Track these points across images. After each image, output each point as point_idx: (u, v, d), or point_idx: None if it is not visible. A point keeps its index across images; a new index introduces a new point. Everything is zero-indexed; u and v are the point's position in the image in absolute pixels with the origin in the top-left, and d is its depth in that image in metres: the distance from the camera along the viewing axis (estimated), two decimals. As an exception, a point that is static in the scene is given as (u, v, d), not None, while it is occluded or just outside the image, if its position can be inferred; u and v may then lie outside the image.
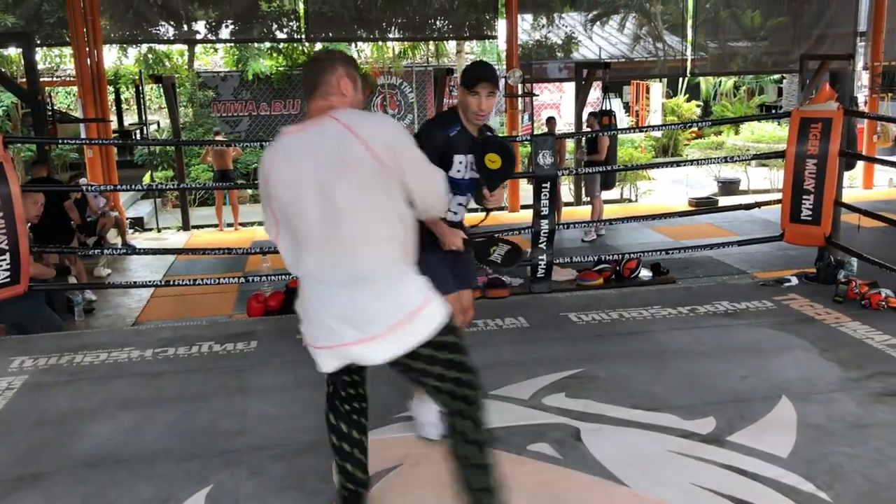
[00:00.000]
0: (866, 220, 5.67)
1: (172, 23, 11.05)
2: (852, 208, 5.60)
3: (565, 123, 16.57)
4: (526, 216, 6.07)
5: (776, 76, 20.72)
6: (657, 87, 20.50)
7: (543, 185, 5.34)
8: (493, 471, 2.29)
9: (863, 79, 13.52)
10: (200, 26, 11.56)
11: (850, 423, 3.20)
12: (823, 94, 5.16)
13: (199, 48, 17.20)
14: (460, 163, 2.94)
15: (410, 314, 2.17)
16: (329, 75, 2.30)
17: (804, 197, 5.18)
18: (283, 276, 5.53)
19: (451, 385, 2.25)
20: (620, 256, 5.89)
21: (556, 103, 19.47)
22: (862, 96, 12.42)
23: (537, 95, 13.40)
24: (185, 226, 11.67)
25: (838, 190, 5.31)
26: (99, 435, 3.33)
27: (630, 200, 13.35)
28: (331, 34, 12.18)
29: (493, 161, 2.87)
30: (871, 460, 2.89)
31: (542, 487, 2.81)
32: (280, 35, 12.14)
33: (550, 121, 10.16)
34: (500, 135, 15.20)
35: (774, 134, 17.77)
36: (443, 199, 2.34)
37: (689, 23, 12.86)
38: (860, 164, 11.77)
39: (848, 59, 11.72)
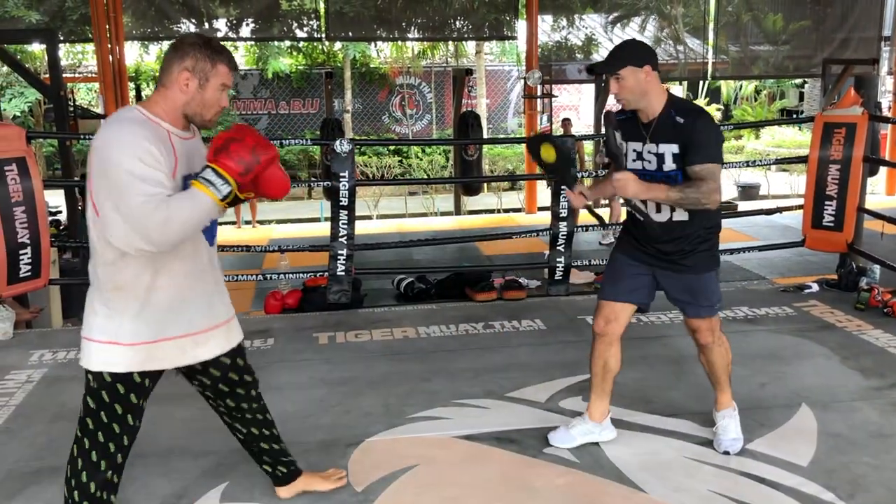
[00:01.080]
0: (889, 226, 5.60)
1: (194, 20, 11.10)
2: (876, 215, 5.53)
3: (585, 125, 16.52)
4: (544, 218, 6.05)
5: (798, 80, 20.54)
6: (678, 90, 20.39)
7: (562, 187, 5.31)
8: None
9: (887, 84, 13.36)
10: (221, 24, 11.61)
11: (871, 432, 3.16)
12: (848, 99, 5.10)
13: (219, 46, 17.28)
14: (633, 150, 2.82)
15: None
16: (170, 63, 2.05)
17: (826, 202, 5.12)
18: (301, 275, 5.54)
19: None
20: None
21: (575, 105, 19.41)
22: (886, 101, 12.27)
23: (556, 97, 13.36)
24: (203, 222, 11.72)
25: (861, 196, 5.25)
26: (116, 429, 3.34)
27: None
28: (350, 33, 12.20)
29: (548, 153, 2.76)
30: (894, 471, 2.84)
31: (557, 491, 2.79)
32: (300, 34, 12.17)
33: (566, 122, 10.10)
34: (518, 136, 15.13)
35: (795, 139, 17.63)
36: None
37: (711, 25, 12.76)
38: (883, 170, 11.63)
39: (872, 63, 11.59)
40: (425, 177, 15.41)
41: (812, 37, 12.59)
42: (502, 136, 17.82)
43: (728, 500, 2.66)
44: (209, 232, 2.21)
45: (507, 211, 13.14)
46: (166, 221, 1.89)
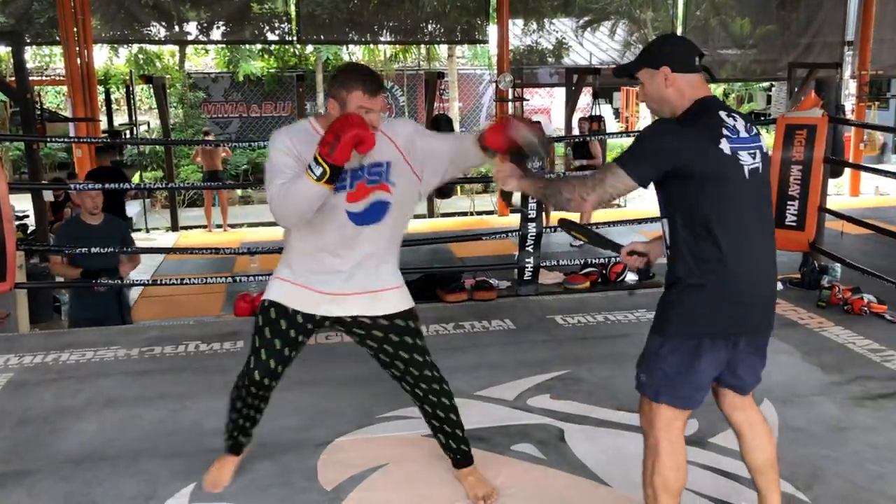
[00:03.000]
0: (851, 226, 5.72)
1: (164, 23, 11.03)
2: (836, 214, 5.66)
3: (555, 128, 16.63)
4: (516, 220, 6.10)
5: (766, 84, 20.86)
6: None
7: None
8: None
9: (850, 88, 13.62)
10: (192, 27, 11.55)
11: (830, 426, 3.24)
12: (809, 101, 5.21)
13: (190, 49, 17.17)
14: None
15: None
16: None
17: (789, 202, 5.22)
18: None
19: None
20: (607, 260, 5.91)
21: (547, 108, 19.54)
22: (849, 105, 12.51)
23: (528, 100, 13.45)
24: (174, 226, 11.65)
25: (823, 196, 5.36)
26: (83, 433, 3.33)
27: (619, 205, 13.41)
28: (322, 36, 12.19)
29: (579, 237, 2.84)
30: (851, 463, 2.92)
31: (524, 487, 2.83)
32: (272, 37, 12.13)
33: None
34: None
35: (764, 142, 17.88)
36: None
37: (679, 30, 12.93)
38: (847, 172, 11.86)
39: (835, 67, 11.81)
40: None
41: (778, 41, 12.80)
42: (475, 139, 17.90)
43: (691, 493, 2.71)
44: (359, 217, 2.51)
45: (479, 213, 13.20)
46: (282, 203, 2.36)
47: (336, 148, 2.24)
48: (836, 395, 3.56)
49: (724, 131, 2.11)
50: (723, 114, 2.16)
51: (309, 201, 2.34)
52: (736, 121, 2.17)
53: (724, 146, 2.09)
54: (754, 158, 2.15)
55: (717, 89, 22.17)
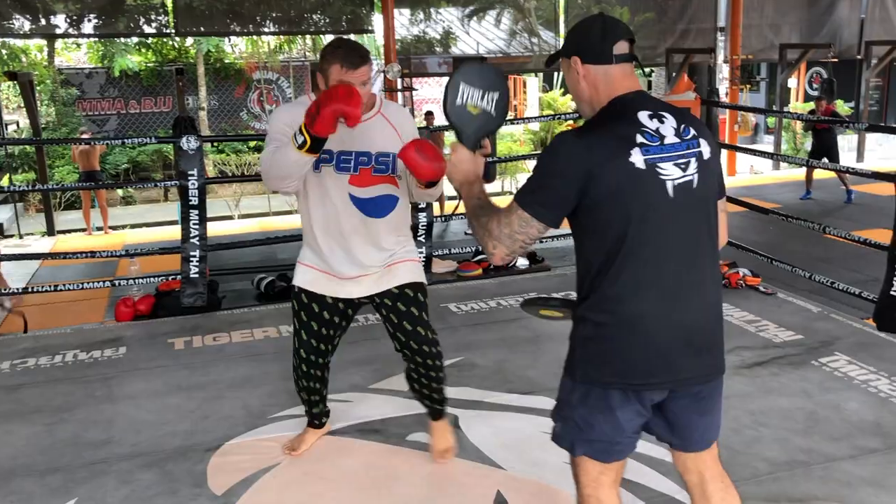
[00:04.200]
0: (727, 204, 5.98)
1: (28, 16, 10.39)
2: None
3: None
4: (405, 209, 6.08)
5: (647, 69, 21.61)
6: (534, 82, 20.99)
7: (420, 177, 5.36)
8: None
9: (724, 72, 14.27)
10: (60, 20, 10.93)
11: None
12: (682, 85, 5.43)
13: (59, 43, 16.27)
14: None
15: None
16: None
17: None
18: (153, 279, 5.31)
19: None
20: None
21: (437, 98, 19.61)
22: (723, 88, 13.11)
23: (417, 90, 13.45)
24: (50, 231, 11.04)
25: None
26: (-51, 455, 3.11)
27: (510, 193, 13.62)
28: (202, 28, 11.78)
29: (552, 314, 2.35)
30: (729, 429, 3.05)
31: (420, 477, 2.82)
32: (148, 29, 11.63)
33: (429, 115, 10.19)
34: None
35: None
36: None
37: (562, 18, 13.21)
38: (723, 153, 12.43)
39: (709, 52, 12.36)
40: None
41: (656, 28, 13.25)
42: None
43: None
44: (366, 206, 2.60)
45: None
46: (269, 167, 2.48)
47: (316, 120, 2.30)
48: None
49: (640, 138, 1.68)
50: (644, 115, 1.72)
51: (290, 167, 2.43)
52: (662, 123, 1.72)
53: (636, 157, 1.66)
54: (685, 170, 1.71)
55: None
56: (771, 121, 16.05)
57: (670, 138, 1.71)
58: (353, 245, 2.63)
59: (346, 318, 2.79)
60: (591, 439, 1.80)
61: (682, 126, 1.74)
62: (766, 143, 16.49)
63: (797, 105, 16.71)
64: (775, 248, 5.80)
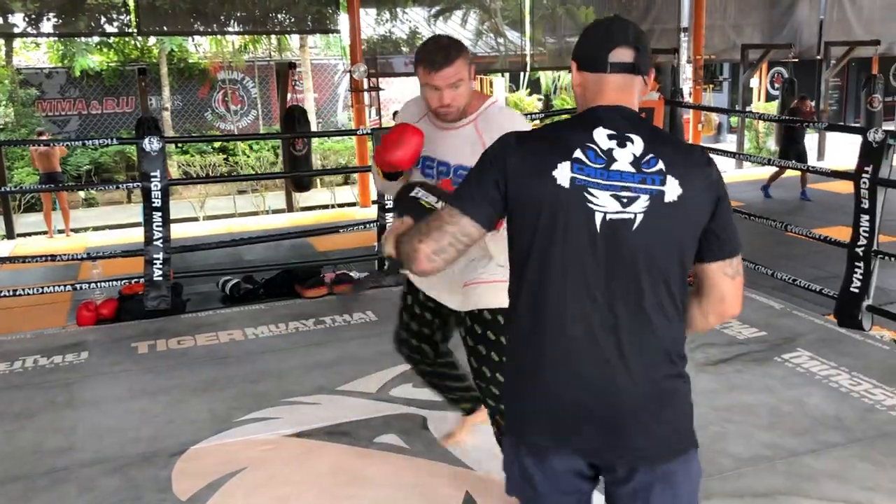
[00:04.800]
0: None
1: (-16, 15, 10.18)
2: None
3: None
4: (374, 211, 6.06)
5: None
6: (500, 82, 21.04)
7: (387, 178, 5.34)
8: None
9: (687, 72, 14.44)
10: (18, 19, 10.71)
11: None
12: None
13: (18, 43, 15.94)
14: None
15: None
16: None
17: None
18: (116, 283, 5.22)
19: None
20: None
21: (404, 98, 19.57)
22: (687, 88, 13.26)
23: (384, 90, 13.42)
24: (10, 234, 10.81)
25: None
26: None
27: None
28: (165, 28, 11.63)
29: None
30: (695, 426, 3.07)
31: (388, 479, 2.81)
32: (110, 29, 11.44)
33: (397, 114, 10.17)
34: (348, 129, 15.08)
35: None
36: None
37: (528, 19, 13.27)
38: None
39: (673, 53, 12.50)
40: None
41: (620, 29, 13.35)
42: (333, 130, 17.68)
43: None
44: None
45: (341, 206, 13.05)
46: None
47: (382, 155, 2.33)
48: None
49: (578, 153, 1.45)
50: (601, 131, 1.48)
51: (382, 185, 2.49)
52: (623, 147, 1.46)
53: (561, 173, 1.43)
54: (626, 206, 1.42)
55: (566, 76, 22.97)
56: (734, 120, 16.28)
57: (621, 165, 1.44)
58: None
59: (441, 318, 2.69)
60: (527, 499, 1.59)
61: (649, 157, 1.45)
62: (729, 143, 16.73)
63: (759, 105, 16.97)
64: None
